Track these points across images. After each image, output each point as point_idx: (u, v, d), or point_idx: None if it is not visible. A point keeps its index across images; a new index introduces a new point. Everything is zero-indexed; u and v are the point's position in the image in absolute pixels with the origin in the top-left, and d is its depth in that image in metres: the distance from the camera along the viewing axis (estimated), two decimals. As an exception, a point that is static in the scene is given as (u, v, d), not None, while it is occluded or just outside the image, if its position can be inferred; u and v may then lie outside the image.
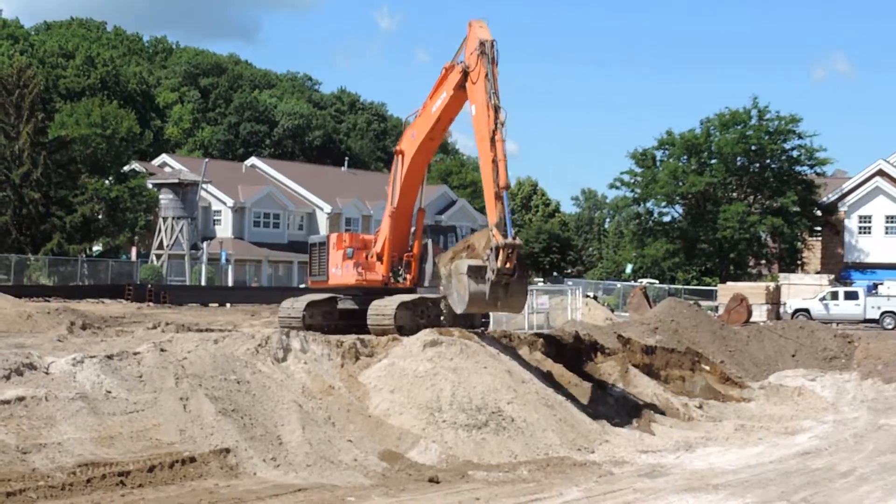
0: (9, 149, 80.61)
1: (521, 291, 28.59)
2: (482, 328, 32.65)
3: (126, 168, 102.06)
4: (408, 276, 32.25)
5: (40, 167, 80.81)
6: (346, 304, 32.76)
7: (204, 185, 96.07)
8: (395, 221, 32.76)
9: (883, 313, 57.23)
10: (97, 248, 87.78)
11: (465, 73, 29.08)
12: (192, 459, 18.97)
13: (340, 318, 31.77)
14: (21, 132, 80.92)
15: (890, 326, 54.74)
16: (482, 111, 28.18)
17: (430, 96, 31.46)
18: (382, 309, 30.05)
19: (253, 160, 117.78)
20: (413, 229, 33.26)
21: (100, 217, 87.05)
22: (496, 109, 27.98)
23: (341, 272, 33.10)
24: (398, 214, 32.56)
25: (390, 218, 33.06)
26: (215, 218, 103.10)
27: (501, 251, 26.92)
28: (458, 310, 28.67)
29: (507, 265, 27.03)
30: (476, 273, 27.35)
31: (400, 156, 32.79)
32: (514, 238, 27.51)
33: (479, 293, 27.56)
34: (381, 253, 32.56)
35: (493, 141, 27.80)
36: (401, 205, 32.67)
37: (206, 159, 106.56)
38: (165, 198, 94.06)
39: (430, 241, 32.98)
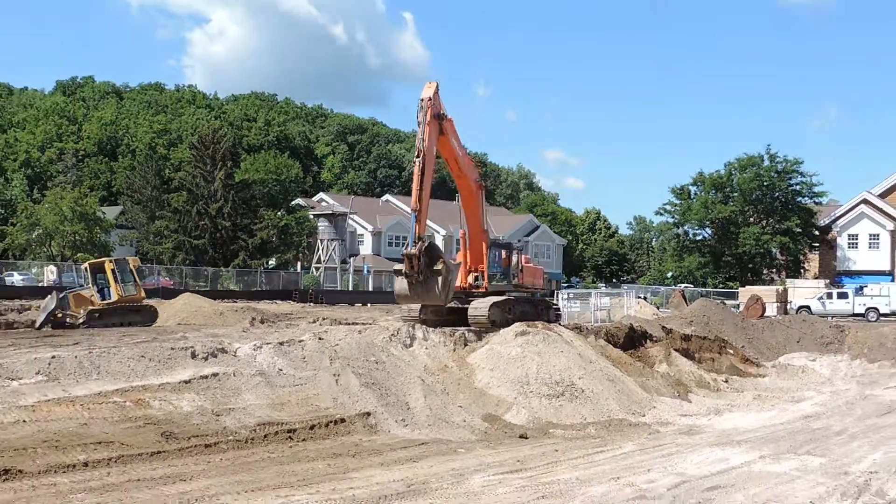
0: (206, 189, 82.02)
1: (434, 288, 27.99)
2: (557, 321, 32.54)
3: (293, 203, 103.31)
4: (483, 283, 32.01)
5: (230, 203, 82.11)
6: (452, 303, 32.56)
7: (351, 216, 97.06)
8: (465, 242, 32.74)
9: (867, 309, 56.78)
10: (272, 262, 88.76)
11: None
12: (342, 420, 19.09)
13: (448, 314, 31.51)
14: (215, 177, 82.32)
15: (873, 319, 53.81)
16: None
17: None
18: (479, 308, 29.90)
19: (387, 197, 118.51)
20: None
21: (273, 239, 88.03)
22: (418, 150, 28.12)
23: None
24: (469, 237, 32.52)
25: (462, 240, 33.03)
26: (359, 240, 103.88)
27: (405, 258, 27.41)
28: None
29: (410, 269, 27.25)
30: (401, 274, 27.80)
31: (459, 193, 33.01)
32: (410, 249, 27.60)
33: (402, 289, 28.10)
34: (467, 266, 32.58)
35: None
36: (469, 230, 32.62)
37: (352, 196, 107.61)
38: (322, 225, 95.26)
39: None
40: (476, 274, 32.05)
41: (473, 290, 31.73)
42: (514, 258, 32.97)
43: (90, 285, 37.57)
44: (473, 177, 32.60)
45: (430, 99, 28.29)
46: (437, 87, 29.07)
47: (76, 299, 36.47)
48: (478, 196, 32.55)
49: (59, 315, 35.47)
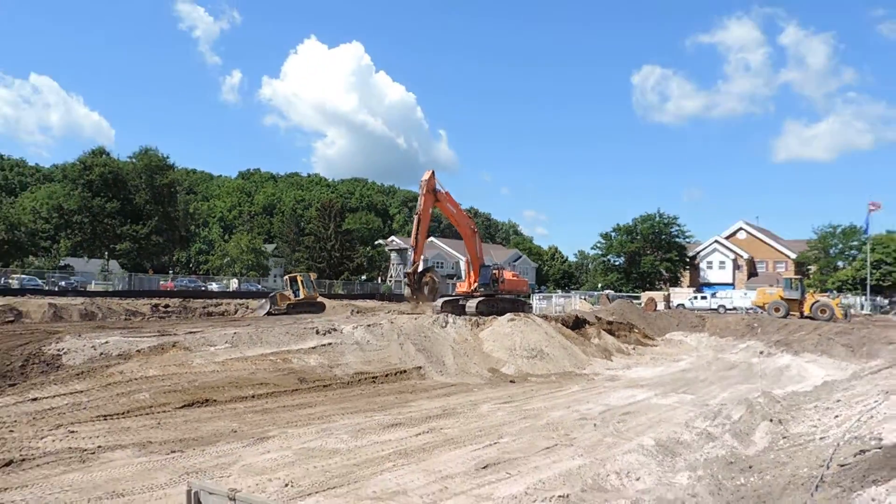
0: (325, 235, 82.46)
1: (424, 293, 28.49)
2: (529, 311, 32.20)
3: (376, 242, 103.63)
4: (480, 290, 31.86)
5: (339, 242, 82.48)
6: (460, 300, 32.31)
7: (408, 249, 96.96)
8: (469, 265, 32.64)
9: (719, 306, 55.97)
10: (363, 277, 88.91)
11: None
12: (404, 371, 19.04)
13: (460, 308, 31.33)
14: (330, 227, 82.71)
15: (722, 312, 52.86)
16: None
17: None
18: (472, 304, 29.91)
19: (432, 238, 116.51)
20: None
21: (364, 264, 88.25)
22: (416, 212, 28.19)
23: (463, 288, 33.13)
24: (470, 262, 32.41)
25: (466, 264, 32.98)
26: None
27: (405, 275, 28.20)
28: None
29: (408, 282, 28.03)
30: (405, 285, 28.57)
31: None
32: (407, 269, 28.20)
33: (407, 294, 28.86)
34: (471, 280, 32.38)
35: None
36: (470, 258, 32.48)
37: (409, 238, 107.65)
38: (393, 255, 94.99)
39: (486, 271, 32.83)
40: (475, 285, 31.98)
41: (473, 294, 31.62)
42: (497, 274, 32.70)
43: (288, 289, 38.21)
44: (469, 226, 32.26)
45: (426, 181, 28.54)
46: (433, 172, 29.11)
47: (280, 297, 37.39)
48: (473, 238, 32.20)
49: (271, 308, 36.12)
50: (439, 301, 31.45)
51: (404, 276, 29.07)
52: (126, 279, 56.09)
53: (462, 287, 33.09)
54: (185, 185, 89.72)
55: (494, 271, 32.68)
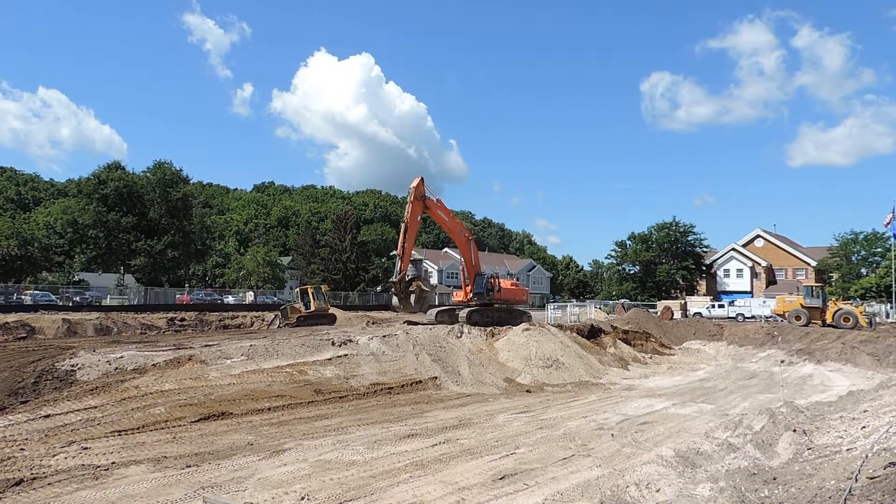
0: (340, 246, 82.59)
1: (411, 302, 28.16)
2: (528, 321, 31.62)
3: (391, 253, 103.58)
4: (475, 299, 31.26)
5: (354, 254, 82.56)
6: (456, 310, 31.66)
7: (425, 260, 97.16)
8: (464, 274, 32.21)
9: (737, 314, 55.42)
10: (379, 288, 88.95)
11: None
12: (420, 382, 18.95)
13: (454, 317, 30.75)
14: (346, 239, 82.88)
15: (741, 320, 52.32)
16: None
17: None
18: (463, 314, 29.56)
19: (445, 249, 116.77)
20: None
21: (380, 275, 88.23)
22: (404, 219, 27.70)
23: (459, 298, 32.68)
24: (466, 270, 32.00)
25: (462, 272, 32.59)
26: (429, 275, 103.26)
27: (392, 284, 27.82)
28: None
29: (395, 291, 27.61)
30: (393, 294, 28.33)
31: None
32: (394, 279, 27.75)
33: (395, 303, 28.61)
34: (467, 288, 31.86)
35: None
36: (465, 266, 32.03)
37: (425, 249, 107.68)
38: (409, 266, 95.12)
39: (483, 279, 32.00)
40: (471, 294, 31.38)
41: (468, 304, 31.08)
42: (493, 282, 31.91)
43: (299, 301, 38.20)
44: (462, 233, 31.47)
45: (415, 187, 28.03)
46: (422, 179, 28.50)
47: (291, 309, 37.43)
48: (467, 245, 31.31)
49: (282, 320, 36.18)
50: (433, 311, 30.93)
51: (386, 284, 29.10)
52: (142, 293, 56.48)
53: (458, 296, 32.45)
54: (200, 199, 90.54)
55: (490, 280, 31.74)
